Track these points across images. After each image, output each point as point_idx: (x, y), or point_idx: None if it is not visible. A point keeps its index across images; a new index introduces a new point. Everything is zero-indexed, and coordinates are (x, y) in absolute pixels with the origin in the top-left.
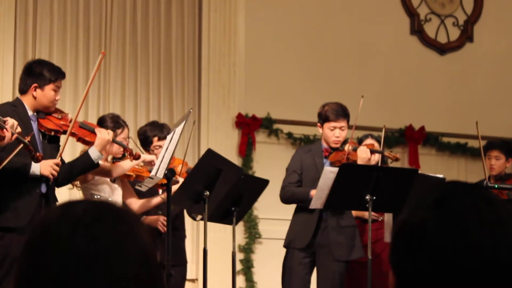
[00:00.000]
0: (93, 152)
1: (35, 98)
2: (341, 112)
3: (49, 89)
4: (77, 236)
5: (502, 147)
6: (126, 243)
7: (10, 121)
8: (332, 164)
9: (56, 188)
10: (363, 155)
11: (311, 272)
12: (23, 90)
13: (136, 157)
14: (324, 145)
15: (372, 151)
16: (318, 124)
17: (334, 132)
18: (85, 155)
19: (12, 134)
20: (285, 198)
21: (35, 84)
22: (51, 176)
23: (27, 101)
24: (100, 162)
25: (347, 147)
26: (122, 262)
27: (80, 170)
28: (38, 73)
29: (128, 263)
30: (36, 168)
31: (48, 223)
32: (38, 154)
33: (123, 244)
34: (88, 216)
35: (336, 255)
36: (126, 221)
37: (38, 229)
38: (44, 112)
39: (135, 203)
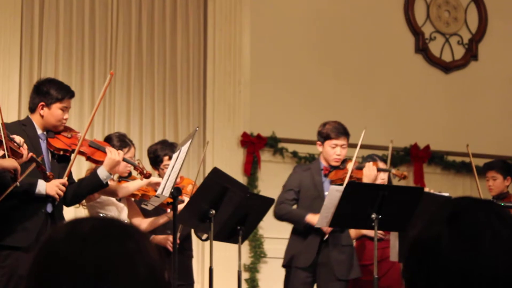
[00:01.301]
0: (102, 172)
1: (42, 116)
2: (342, 130)
3: (56, 108)
4: (85, 253)
5: (498, 166)
6: (134, 259)
7: (17, 139)
8: (332, 183)
9: (64, 207)
10: (369, 173)
11: None
12: (32, 109)
13: (147, 176)
14: (323, 163)
15: (379, 169)
16: (318, 142)
17: (335, 150)
18: (93, 174)
19: (28, 153)
20: (280, 215)
21: (42, 103)
22: (57, 196)
23: (36, 120)
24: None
25: (350, 166)
26: (130, 279)
27: (89, 190)
28: (45, 91)
29: (137, 280)
30: (42, 187)
31: (56, 240)
32: (49, 173)
33: (131, 261)
34: (96, 233)
35: (337, 274)
36: (134, 238)
37: (46, 247)
38: (53, 131)
39: (142, 222)
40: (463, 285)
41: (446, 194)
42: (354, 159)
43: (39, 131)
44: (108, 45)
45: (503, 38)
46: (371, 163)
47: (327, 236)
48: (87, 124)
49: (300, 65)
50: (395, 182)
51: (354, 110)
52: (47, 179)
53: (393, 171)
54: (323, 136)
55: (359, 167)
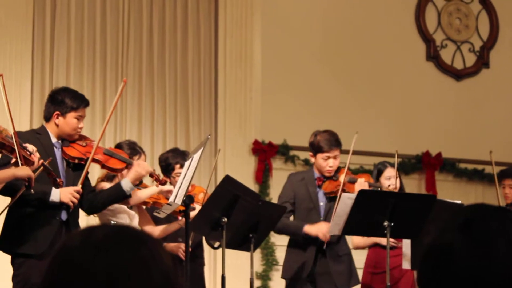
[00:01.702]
0: (126, 184)
1: (57, 125)
2: (334, 142)
3: (71, 117)
4: (98, 261)
5: None
6: (148, 266)
7: (29, 147)
8: (326, 195)
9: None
10: (361, 188)
11: None
12: (47, 118)
13: (163, 183)
14: (317, 173)
15: (370, 185)
16: (310, 153)
17: (327, 162)
18: (117, 186)
19: (39, 160)
20: (277, 228)
21: (57, 112)
22: (71, 204)
23: (51, 129)
24: None
25: (342, 178)
26: (144, 286)
27: (112, 200)
28: (60, 100)
29: (152, 286)
30: (56, 195)
31: (69, 248)
32: (59, 180)
33: (145, 268)
34: (109, 241)
35: (338, 284)
36: (147, 245)
37: (60, 254)
38: (68, 140)
39: (154, 230)
40: None
41: (459, 202)
42: (346, 167)
43: (54, 140)
44: (120, 52)
45: None
46: (362, 179)
47: (325, 245)
48: (98, 132)
49: (311, 72)
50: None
51: (366, 118)
52: (57, 186)
53: (384, 189)
54: (315, 148)
55: (351, 181)
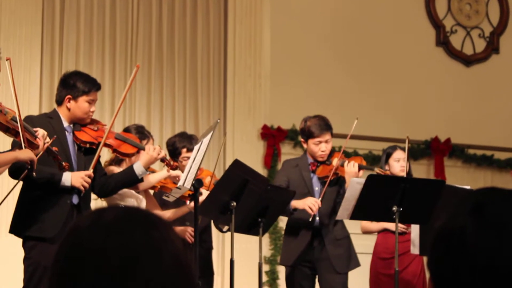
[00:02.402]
0: (138, 168)
1: (69, 109)
2: (324, 126)
3: (82, 100)
4: (109, 242)
5: None
6: (159, 248)
7: (41, 132)
8: (320, 179)
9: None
10: (350, 170)
11: (313, 285)
12: (59, 102)
13: (174, 168)
14: (310, 159)
15: (361, 167)
16: (302, 139)
17: (320, 147)
18: (129, 170)
19: (44, 143)
20: None
21: (68, 96)
22: (82, 188)
23: (63, 113)
24: None
25: (335, 162)
26: (156, 267)
27: (124, 183)
28: (72, 84)
29: (162, 268)
30: (67, 179)
31: (80, 230)
32: (65, 163)
33: (156, 249)
34: (120, 223)
35: (337, 268)
36: (158, 227)
37: (70, 237)
38: (80, 123)
39: (163, 214)
40: (489, 275)
41: (468, 187)
42: (342, 150)
43: (65, 124)
44: (129, 38)
45: None
46: (352, 161)
47: (312, 216)
48: (108, 116)
49: (319, 58)
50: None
51: (375, 103)
52: (63, 170)
53: (376, 169)
54: (306, 134)
55: (342, 164)
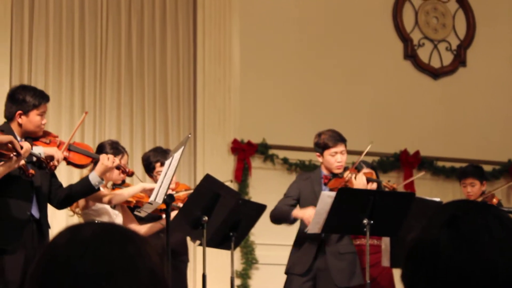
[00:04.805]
0: (94, 178)
1: (20, 125)
2: (339, 137)
3: (34, 114)
4: (86, 258)
5: (475, 173)
6: (136, 264)
7: (26, 146)
8: (331, 190)
9: (57, 211)
10: (359, 183)
11: None
12: (9, 118)
13: (130, 174)
14: (324, 172)
15: (369, 180)
16: (317, 154)
17: (336, 158)
18: (85, 180)
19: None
20: (273, 215)
21: (19, 112)
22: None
23: (14, 128)
24: (101, 188)
25: (347, 175)
26: (132, 282)
27: (80, 194)
28: (21, 100)
29: (139, 283)
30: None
31: (57, 245)
32: (30, 171)
33: (133, 265)
34: (97, 238)
35: (336, 281)
36: (134, 242)
37: (47, 253)
38: (31, 137)
39: (139, 229)
40: (462, 287)
41: (437, 199)
42: (355, 165)
43: (18, 138)
44: (98, 52)
45: (491, 44)
46: (361, 174)
47: (308, 228)
48: (78, 131)
49: (290, 71)
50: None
51: (344, 116)
52: (27, 178)
53: (384, 182)
54: (321, 147)
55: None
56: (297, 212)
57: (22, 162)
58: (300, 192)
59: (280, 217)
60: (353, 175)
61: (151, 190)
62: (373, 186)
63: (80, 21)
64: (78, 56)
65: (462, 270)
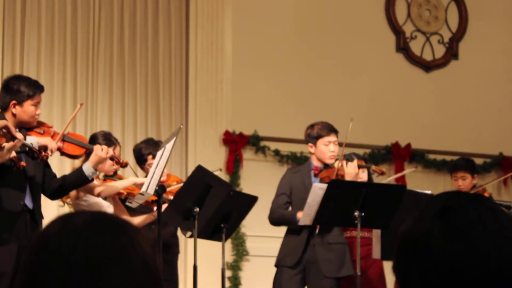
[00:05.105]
0: (88, 169)
1: (14, 115)
2: (331, 128)
3: (28, 104)
4: (78, 247)
5: (466, 166)
6: (128, 253)
7: (19, 136)
8: (321, 181)
9: (48, 201)
10: (351, 170)
11: None
12: (3, 108)
13: (123, 165)
14: (314, 163)
15: (360, 166)
16: (310, 144)
17: (329, 147)
18: (78, 170)
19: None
20: (274, 220)
21: (13, 101)
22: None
23: (8, 118)
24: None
25: (337, 164)
26: (124, 273)
27: (74, 185)
28: (16, 89)
29: (131, 274)
30: (33, 140)
31: (49, 234)
32: (21, 163)
33: (125, 255)
34: (89, 228)
35: (324, 272)
36: (127, 232)
37: (38, 242)
38: (25, 127)
39: (131, 220)
40: (454, 279)
41: (428, 192)
42: (342, 153)
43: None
44: (90, 44)
45: (483, 37)
46: (354, 162)
47: (317, 230)
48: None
49: (282, 64)
50: (374, 177)
51: (335, 109)
52: (18, 169)
53: (373, 167)
54: (314, 137)
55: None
56: (301, 214)
57: (13, 154)
58: (291, 185)
59: (285, 222)
60: (344, 163)
61: (142, 184)
62: (364, 173)
63: (73, 13)
64: (70, 48)
65: (455, 262)
